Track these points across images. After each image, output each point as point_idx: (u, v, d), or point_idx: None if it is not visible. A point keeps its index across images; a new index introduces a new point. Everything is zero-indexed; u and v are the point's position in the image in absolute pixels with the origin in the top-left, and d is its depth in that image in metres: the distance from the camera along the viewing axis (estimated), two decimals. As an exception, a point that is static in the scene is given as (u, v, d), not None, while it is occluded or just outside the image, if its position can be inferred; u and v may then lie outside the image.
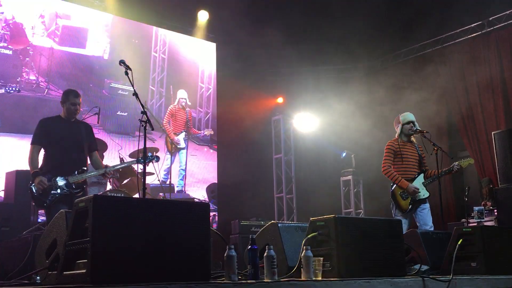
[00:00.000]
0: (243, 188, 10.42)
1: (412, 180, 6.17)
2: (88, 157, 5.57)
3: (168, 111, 10.19)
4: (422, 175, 6.23)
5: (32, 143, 5.32)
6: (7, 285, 2.71)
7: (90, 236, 2.63)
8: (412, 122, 6.33)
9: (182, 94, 10.41)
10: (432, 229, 6.05)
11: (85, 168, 5.40)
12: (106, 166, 5.58)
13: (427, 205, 6.22)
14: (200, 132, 10.56)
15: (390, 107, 10.18)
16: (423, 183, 6.17)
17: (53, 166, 5.24)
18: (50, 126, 5.36)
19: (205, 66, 11.18)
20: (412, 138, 6.43)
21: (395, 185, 6.20)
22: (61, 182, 5.17)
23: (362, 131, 11.49)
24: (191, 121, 10.47)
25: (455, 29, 10.45)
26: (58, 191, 5.15)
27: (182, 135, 10.22)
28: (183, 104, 10.31)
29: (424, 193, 6.15)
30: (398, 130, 6.38)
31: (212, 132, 10.71)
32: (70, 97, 5.37)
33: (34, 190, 5.14)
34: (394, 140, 6.33)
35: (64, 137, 5.33)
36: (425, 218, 6.13)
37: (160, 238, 2.87)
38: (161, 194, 8.66)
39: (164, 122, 9.97)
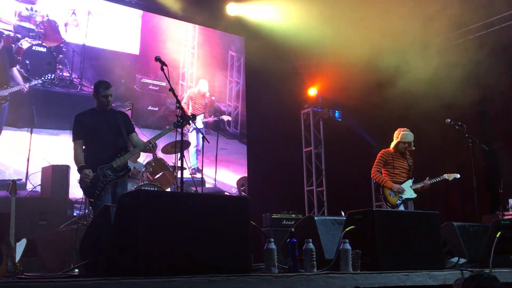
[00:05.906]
0: (273, 181, 10.42)
1: (401, 183, 6.99)
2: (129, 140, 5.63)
3: (187, 94, 10.33)
4: (410, 180, 7.05)
5: (74, 140, 5.37)
6: (54, 277, 2.79)
7: (135, 230, 2.68)
8: (409, 143, 7.03)
9: (202, 84, 10.60)
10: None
11: (128, 149, 5.48)
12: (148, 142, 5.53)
13: (412, 208, 7.03)
14: (210, 118, 10.58)
15: (422, 99, 10.03)
16: (410, 186, 7.01)
17: (96, 156, 5.30)
18: (86, 119, 5.40)
19: (234, 60, 11.22)
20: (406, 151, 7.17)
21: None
22: (106, 170, 5.23)
23: (392, 124, 11.36)
24: (208, 107, 10.59)
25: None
26: (106, 178, 5.21)
27: (201, 116, 10.38)
28: (203, 91, 10.53)
29: (410, 194, 6.99)
30: (394, 143, 7.06)
31: (230, 118, 10.79)
32: (100, 90, 5.42)
33: (83, 184, 5.24)
34: (388, 152, 7.09)
35: (102, 126, 5.39)
36: None
37: (203, 231, 2.92)
38: (193, 188, 8.73)
39: (182, 104, 10.05)
